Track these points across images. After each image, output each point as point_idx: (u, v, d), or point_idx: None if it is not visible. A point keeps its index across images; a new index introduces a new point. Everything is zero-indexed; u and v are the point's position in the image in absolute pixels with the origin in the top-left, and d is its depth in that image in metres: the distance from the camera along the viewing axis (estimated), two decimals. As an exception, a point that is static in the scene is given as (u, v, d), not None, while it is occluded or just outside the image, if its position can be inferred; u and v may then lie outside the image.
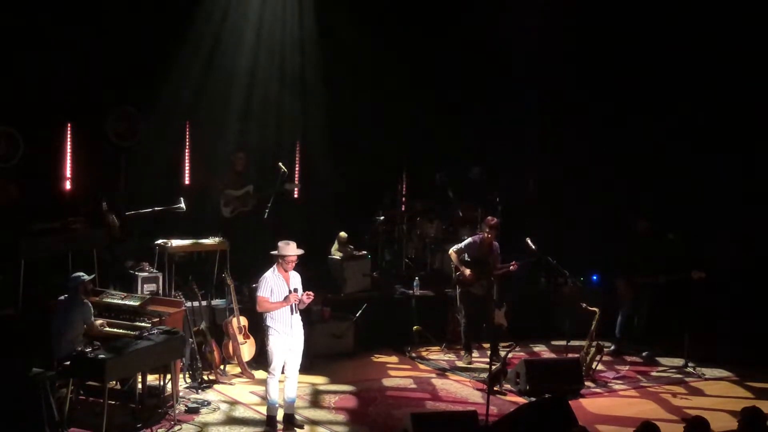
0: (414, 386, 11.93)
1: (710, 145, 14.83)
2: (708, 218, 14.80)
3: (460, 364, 12.78)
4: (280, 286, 10.10)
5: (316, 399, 11.27)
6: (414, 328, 13.20)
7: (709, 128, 14.92)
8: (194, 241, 12.72)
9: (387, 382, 12.04)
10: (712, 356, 13.10)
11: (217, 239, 12.77)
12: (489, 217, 12.81)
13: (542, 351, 13.58)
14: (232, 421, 10.52)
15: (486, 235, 12.56)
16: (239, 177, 13.91)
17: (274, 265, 10.21)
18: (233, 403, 11.02)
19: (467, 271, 12.54)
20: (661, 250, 13.11)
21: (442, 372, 12.49)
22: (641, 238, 13.28)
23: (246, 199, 13.86)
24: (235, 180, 13.88)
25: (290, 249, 10.15)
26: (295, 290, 10.12)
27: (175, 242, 12.50)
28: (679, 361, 12.95)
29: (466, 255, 12.63)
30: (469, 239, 12.84)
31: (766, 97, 14.50)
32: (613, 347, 13.30)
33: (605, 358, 12.64)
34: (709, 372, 12.73)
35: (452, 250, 12.80)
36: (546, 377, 11.52)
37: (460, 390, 11.81)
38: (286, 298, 10.04)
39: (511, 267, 12.50)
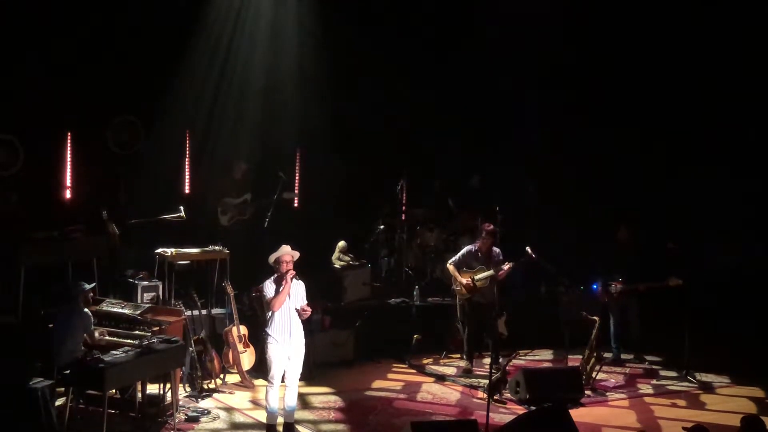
0: (414, 395, 11.91)
1: (711, 148, 14.87)
2: (708, 223, 14.83)
3: (460, 372, 12.77)
4: (279, 283, 10.09)
5: (315, 407, 11.26)
6: (414, 336, 13.19)
7: (708, 133, 14.99)
8: (194, 249, 12.72)
9: (387, 390, 12.03)
10: (713, 365, 13.09)
11: (217, 248, 12.77)
12: (485, 224, 12.80)
13: (542, 360, 13.58)
14: (231, 429, 10.51)
15: (483, 241, 12.54)
16: (237, 185, 13.92)
17: (273, 275, 10.22)
18: (233, 411, 11.01)
19: (463, 280, 12.50)
20: (639, 258, 13.13)
21: (442, 381, 12.48)
22: (620, 245, 13.30)
23: (244, 208, 13.87)
24: (232, 188, 13.89)
25: (283, 249, 10.17)
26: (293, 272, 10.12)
27: (176, 251, 12.50)
28: (679, 370, 12.94)
29: (465, 265, 12.60)
30: (464, 249, 12.82)
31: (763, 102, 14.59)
32: (612, 356, 13.29)
33: (605, 366, 12.63)
34: (709, 381, 12.72)
35: (449, 264, 12.78)
36: (546, 386, 11.51)
37: (460, 399, 11.80)
38: (284, 281, 10.00)
39: (506, 267, 12.42)
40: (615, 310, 13.24)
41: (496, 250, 12.60)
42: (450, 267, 12.73)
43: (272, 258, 10.18)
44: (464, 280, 12.52)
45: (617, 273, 13.09)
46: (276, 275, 10.14)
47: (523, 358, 13.26)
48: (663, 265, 13.06)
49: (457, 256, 12.75)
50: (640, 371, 13.16)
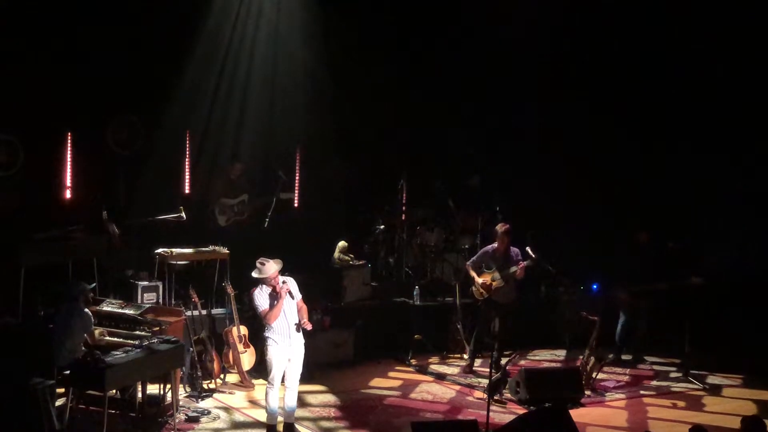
0: (414, 395, 11.92)
1: (711, 150, 14.86)
2: (710, 225, 14.82)
3: (461, 372, 12.77)
4: (273, 296, 10.11)
5: (315, 407, 11.27)
6: (414, 336, 13.19)
7: (708, 134, 14.97)
8: (194, 250, 12.71)
9: (387, 390, 12.04)
10: (713, 365, 13.10)
11: (217, 248, 12.76)
12: (500, 224, 12.74)
13: (542, 360, 13.58)
14: (232, 429, 10.52)
15: (499, 242, 12.50)
16: (234, 186, 13.91)
17: (261, 285, 10.21)
18: (233, 411, 11.02)
19: (480, 280, 12.47)
20: (660, 259, 13.14)
21: (442, 381, 12.48)
22: (641, 247, 13.30)
23: (241, 208, 13.87)
24: (229, 189, 13.88)
25: (268, 268, 10.11)
26: (287, 286, 10.12)
27: (176, 251, 12.50)
28: (681, 371, 12.94)
29: (484, 266, 12.58)
30: (481, 250, 12.78)
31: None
32: (613, 356, 13.29)
33: (605, 367, 12.63)
34: (710, 381, 12.72)
35: (467, 264, 12.76)
36: (546, 386, 11.50)
37: (461, 399, 11.80)
38: (278, 295, 10.01)
39: (519, 266, 12.38)
40: (628, 311, 13.22)
41: (515, 249, 12.49)
42: (468, 268, 12.71)
43: (257, 275, 10.13)
44: (481, 280, 12.49)
45: (642, 275, 13.05)
46: (269, 290, 10.12)
47: (523, 358, 13.26)
48: (664, 264, 13.06)
49: (474, 257, 12.73)
50: (642, 371, 13.15)
